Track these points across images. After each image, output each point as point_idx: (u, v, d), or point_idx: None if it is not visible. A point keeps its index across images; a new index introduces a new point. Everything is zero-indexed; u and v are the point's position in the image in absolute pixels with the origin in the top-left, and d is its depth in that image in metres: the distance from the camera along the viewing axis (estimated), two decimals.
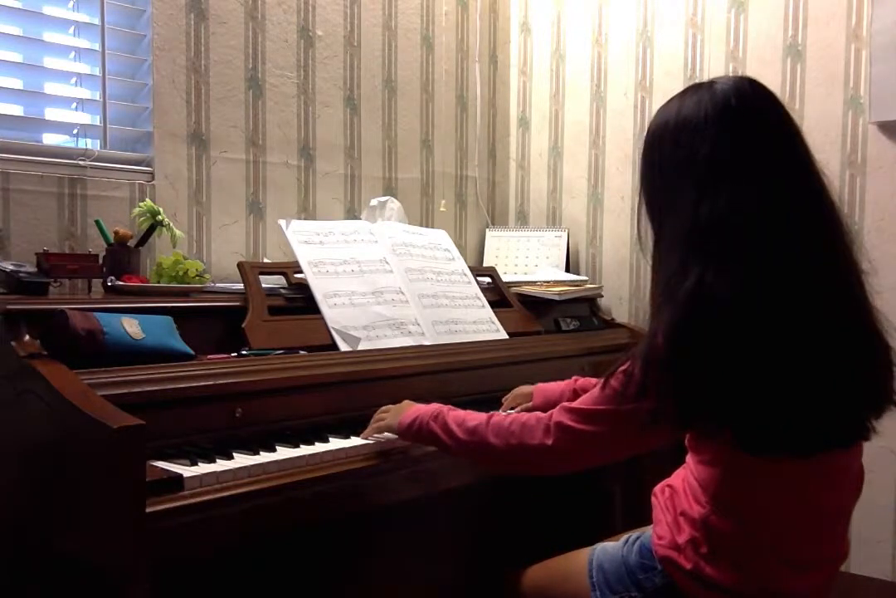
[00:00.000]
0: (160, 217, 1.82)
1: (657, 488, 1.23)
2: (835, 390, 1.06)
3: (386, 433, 1.39)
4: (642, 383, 1.06)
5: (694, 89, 1.15)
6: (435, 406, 1.31)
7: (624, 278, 2.66)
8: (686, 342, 1.03)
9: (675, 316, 1.04)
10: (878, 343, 1.12)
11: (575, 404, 1.14)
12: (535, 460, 1.18)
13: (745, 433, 1.06)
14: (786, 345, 1.03)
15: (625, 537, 1.25)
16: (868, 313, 1.12)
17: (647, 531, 1.21)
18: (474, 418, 1.24)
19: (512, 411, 1.61)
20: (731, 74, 1.16)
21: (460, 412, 1.27)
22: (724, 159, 1.08)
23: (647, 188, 1.19)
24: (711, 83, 1.14)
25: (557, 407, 1.16)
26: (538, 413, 1.18)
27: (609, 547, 1.25)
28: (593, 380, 1.58)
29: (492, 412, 1.25)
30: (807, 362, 1.04)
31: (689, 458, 1.18)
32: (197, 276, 1.72)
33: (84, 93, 1.99)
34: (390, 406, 1.42)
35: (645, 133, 1.20)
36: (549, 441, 1.14)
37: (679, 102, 1.15)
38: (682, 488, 1.17)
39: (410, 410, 1.33)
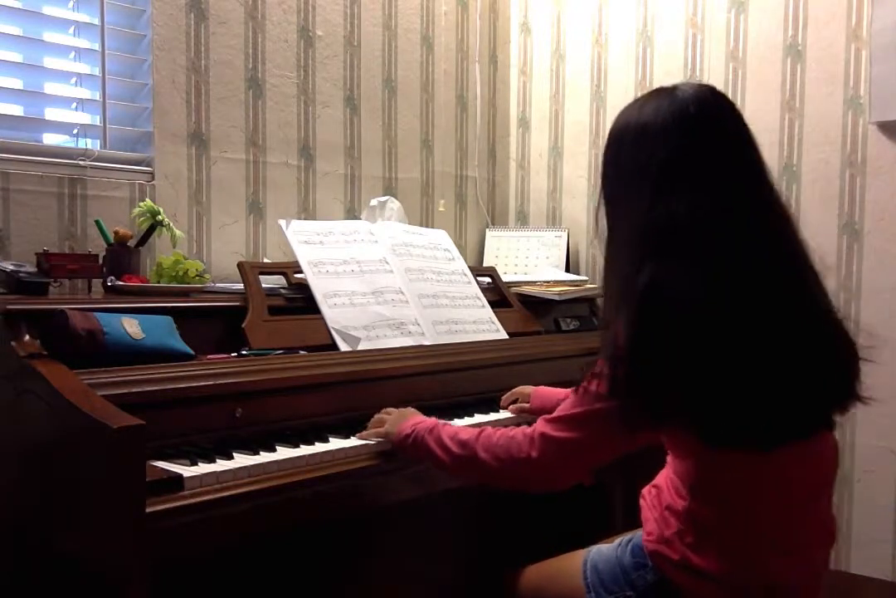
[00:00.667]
0: (160, 217, 1.82)
1: (644, 490, 1.25)
2: (792, 383, 1.08)
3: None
4: (612, 382, 1.08)
5: (656, 94, 1.18)
6: (432, 421, 1.32)
7: None
8: (644, 340, 1.05)
9: (631, 315, 1.06)
10: (839, 340, 1.14)
11: (554, 414, 1.16)
12: (522, 473, 1.19)
13: (705, 427, 1.08)
14: (739, 340, 1.05)
15: (619, 539, 1.26)
16: (826, 312, 1.14)
17: (640, 533, 1.23)
18: (467, 432, 1.25)
19: (502, 421, 1.61)
20: (694, 82, 1.20)
21: (455, 427, 1.29)
22: (681, 164, 1.11)
23: (606, 188, 1.21)
24: (674, 89, 1.16)
25: (539, 420, 1.18)
26: (525, 428, 1.19)
27: (604, 549, 1.27)
28: None
29: (483, 427, 1.26)
30: (762, 357, 1.06)
31: (669, 455, 1.20)
32: (197, 276, 1.72)
33: (84, 93, 1.99)
34: (392, 410, 1.43)
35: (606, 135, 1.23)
36: (534, 453, 1.15)
37: (640, 106, 1.18)
38: (665, 485, 1.19)
39: (409, 421, 1.34)
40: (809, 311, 1.12)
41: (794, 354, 1.08)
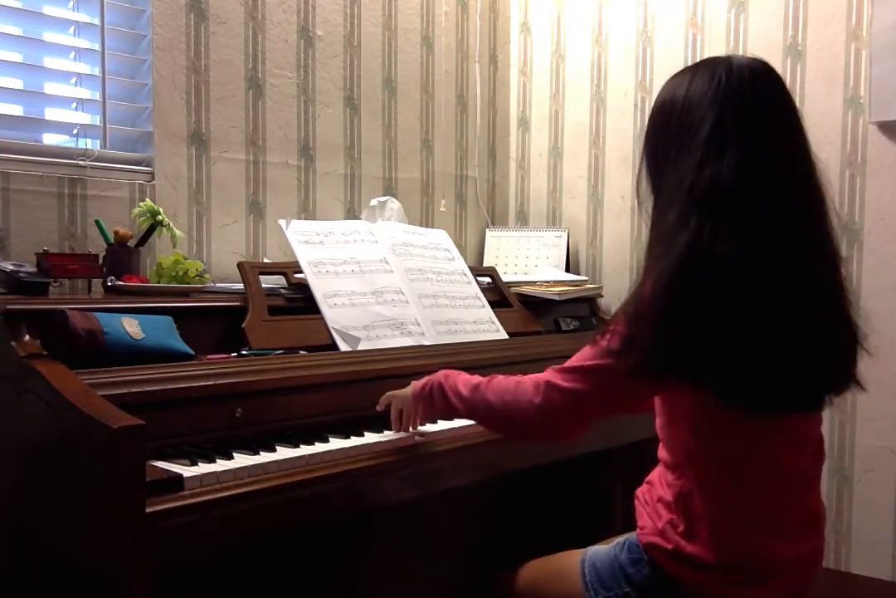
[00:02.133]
0: (160, 217, 1.82)
1: (638, 491, 1.27)
2: (806, 354, 1.11)
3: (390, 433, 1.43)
4: (627, 336, 1.09)
5: (709, 62, 1.18)
6: (446, 371, 1.37)
7: (624, 278, 2.66)
8: (678, 294, 1.06)
9: (669, 268, 1.07)
10: (849, 323, 1.17)
11: (565, 364, 1.19)
12: (525, 419, 1.21)
13: (718, 386, 1.09)
14: (770, 307, 1.07)
15: (616, 540, 1.27)
16: (843, 297, 1.17)
17: (635, 532, 1.24)
18: (479, 378, 1.29)
19: None
20: (747, 55, 1.20)
21: (467, 375, 1.33)
22: (732, 130, 1.12)
23: (652, 146, 1.22)
24: (728, 58, 1.17)
25: (547, 369, 1.20)
26: (534, 375, 1.22)
27: (601, 548, 1.28)
28: None
29: (494, 374, 1.30)
30: (786, 326, 1.09)
31: (659, 448, 1.22)
32: (197, 276, 1.72)
33: (84, 93, 1.99)
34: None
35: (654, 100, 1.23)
36: (538, 400, 1.18)
37: (692, 73, 1.18)
38: (657, 480, 1.22)
39: (423, 379, 1.39)
40: (831, 293, 1.15)
41: (815, 327, 1.11)
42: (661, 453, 1.22)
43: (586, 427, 1.21)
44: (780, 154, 1.13)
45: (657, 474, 1.23)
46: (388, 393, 1.45)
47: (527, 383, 1.21)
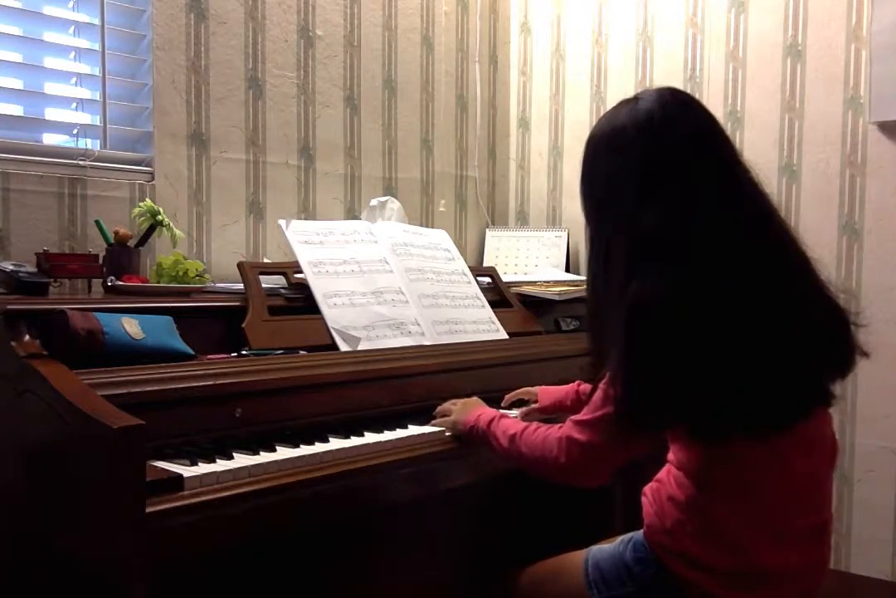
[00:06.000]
0: (160, 217, 1.82)
1: (645, 488, 1.26)
2: (784, 367, 1.11)
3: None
4: (613, 398, 1.12)
5: (620, 105, 1.21)
6: (492, 413, 1.41)
7: None
8: (637, 358, 1.08)
9: (622, 326, 1.09)
10: (835, 311, 1.17)
11: (579, 416, 1.20)
12: (555, 474, 1.24)
13: (705, 428, 1.11)
14: (733, 340, 1.07)
15: (620, 538, 1.27)
16: (820, 290, 1.17)
17: (641, 531, 1.23)
18: (515, 427, 1.32)
19: (515, 412, 1.64)
20: (654, 88, 1.22)
21: (508, 421, 1.36)
22: (650, 175, 1.13)
23: (586, 203, 1.25)
24: (636, 98, 1.19)
25: (567, 421, 1.22)
26: (556, 429, 1.23)
27: (605, 547, 1.28)
28: None
29: (528, 423, 1.32)
30: (754, 353, 1.08)
31: (671, 445, 1.22)
32: (197, 276, 1.72)
33: (84, 93, 1.99)
34: (458, 401, 1.53)
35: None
36: (563, 458, 1.20)
37: (608, 118, 1.21)
38: (667, 478, 1.21)
39: (474, 412, 1.43)
40: (795, 292, 1.14)
41: (785, 337, 1.10)
42: (672, 455, 1.22)
43: (613, 470, 1.22)
44: (706, 178, 1.13)
45: (667, 471, 1.22)
46: (447, 418, 1.49)
47: (551, 440, 1.23)
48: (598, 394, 1.17)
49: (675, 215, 1.11)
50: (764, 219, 1.16)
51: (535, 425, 1.30)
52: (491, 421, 1.37)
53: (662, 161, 1.13)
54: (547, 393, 1.67)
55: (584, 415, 1.19)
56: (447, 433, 1.48)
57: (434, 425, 1.50)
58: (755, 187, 1.17)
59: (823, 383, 1.17)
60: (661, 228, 1.10)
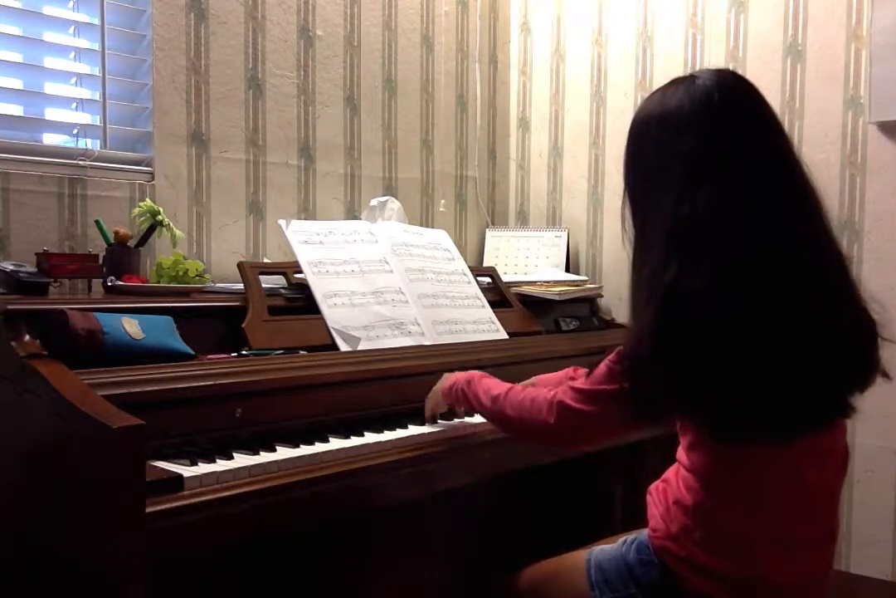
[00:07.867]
0: (160, 217, 1.82)
1: (651, 487, 1.25)
2: (810, 374, 1.08)
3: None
4: (628, 376, 1.11)
5: (676, 84, 1.15)
6: (470, 373, 1.44)
7: (624, 278, 2.65)
8: (667, 342, 1.05)
9: (655, 316, 1.06)
10: (864, 323, 1.13)
11: (577, 384, 1.19)
12: (540, 435, 1.26)
13: (723, 425, 1.08)
14: (761, 339, 1.05)
15: (622, 538, 1.26)
16: (851, 297, 1.13)
17: (644, 531, 1.22)
18: (498, 387, 1.34)
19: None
20: (713, 68, 1.16)
21: (490, 380, 1.38)
22: (704, 158, 1.09)
23: (630, 184, 1.20)
24: (693, 77, 1.13)
25: (563, 385, 1.21)
26: (546, 391, 1.23)
27: (607, 548, 1.26)
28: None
29: (513, 384, 1.34)
30: (781, 353, 1.06)
31: (679, 448, 1.20)
32: (197, 276, 1.72)
33: (84, 93, 1.99)
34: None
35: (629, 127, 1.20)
36: (552, 420, 1.20)
37: (661, 97, 1.15)
38: (674, 480, 1.19)
39: (451, 376, 1.48)
40: (835, 299, 1.10)
41: (812, 343, 1.07)
42: (681, 455, 1.19)
43: (600, 443, 1.23)
44: (759, 171, 1.08)
45: (675, 472, 1.19)
46: (429, 395, 1.53)
47: (541, 401, 1.22)
48: (601, 368, 1.16)
49: (726, 201, 1.06)
50: (810, 218, 1.11)
51: (519, 386, 1.32)
52: (470, 381, 1.39)
53: (720, 143, 1.08)
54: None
55: (583, 384, 1.18)
56: (438, 426, 1.51)
57: (427, 421, 1.52)
58: (807, 182, 1.12)
59: (845, 395, 1.14)
60: (707, 214, 1.06)
